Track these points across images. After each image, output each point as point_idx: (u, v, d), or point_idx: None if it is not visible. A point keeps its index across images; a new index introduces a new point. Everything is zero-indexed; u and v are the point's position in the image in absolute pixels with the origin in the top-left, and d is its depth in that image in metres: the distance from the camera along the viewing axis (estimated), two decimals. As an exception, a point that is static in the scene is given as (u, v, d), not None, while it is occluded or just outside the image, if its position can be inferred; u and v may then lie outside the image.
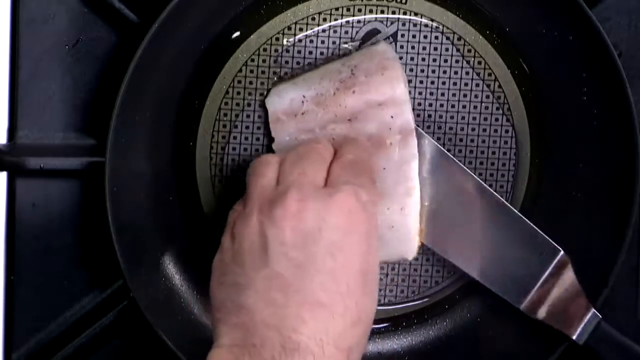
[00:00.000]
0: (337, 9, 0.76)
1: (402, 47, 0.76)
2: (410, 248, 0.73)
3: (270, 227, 0.62)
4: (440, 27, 0.76)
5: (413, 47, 0.76)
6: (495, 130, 0.77)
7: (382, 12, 0.76)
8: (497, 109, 0.77)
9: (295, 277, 0.61)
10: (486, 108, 0.77)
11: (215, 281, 0.65)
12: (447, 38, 0.76)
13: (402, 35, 0.76)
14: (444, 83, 0.76)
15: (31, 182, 0.74)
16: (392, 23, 0.76)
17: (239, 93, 0.76)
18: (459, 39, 0.76)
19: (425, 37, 0.76)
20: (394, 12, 0.76)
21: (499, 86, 0.77)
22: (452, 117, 0.77)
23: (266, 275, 0.61)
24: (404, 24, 0.76)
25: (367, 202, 0.65)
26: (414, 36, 0.76)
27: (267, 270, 0.61)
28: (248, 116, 0.76)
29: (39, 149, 0.74)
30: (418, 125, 0.74)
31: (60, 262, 0.75)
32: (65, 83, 0.74)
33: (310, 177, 0.65)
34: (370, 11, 0.76)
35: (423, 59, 0.76)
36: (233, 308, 0.62)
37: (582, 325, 0.72)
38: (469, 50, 0.76)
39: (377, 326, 0.78)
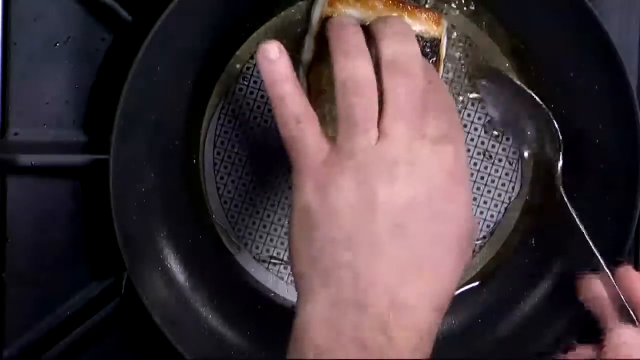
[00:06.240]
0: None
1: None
2: None
3: (379, 187, 0.60)
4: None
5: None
6: (498, 135, 0.77)
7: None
8: None
9: (401, 237, 0.60)
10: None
11: (301, 234, 0.63)
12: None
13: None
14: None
15: (22, 179, 0.74)
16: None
17: (241, 90, 0.75)
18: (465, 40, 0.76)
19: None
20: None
21: None
22: (465, 126, 0.77)
23: (371, 234, 0.60)
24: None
25: (465, 159, 0.64)
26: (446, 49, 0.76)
27: (372, 228, 0.60)
28: (249, 115, 0.75)
29: (31, 146, 0.74)
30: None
31: (51, 260, 0.75)
32: (57, 80, 0.74)
33: (416, 126, 0.62)
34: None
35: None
36: (330, 264, 0.61)
37: None
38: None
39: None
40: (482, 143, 0.77)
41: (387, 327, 0.59)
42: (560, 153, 0.74)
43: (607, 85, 0.73)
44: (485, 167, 0.77)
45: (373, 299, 0.60)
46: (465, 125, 0.77)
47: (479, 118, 0.77)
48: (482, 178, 0.77)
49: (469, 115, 0.77)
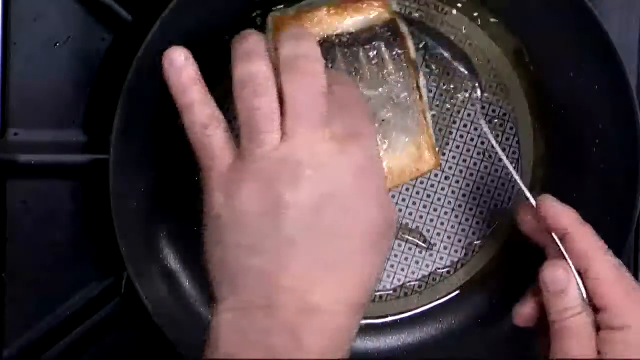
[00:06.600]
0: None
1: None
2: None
3: (284, 191, 0.60)
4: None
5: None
6: (498, 135, 0.77)
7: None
8: (504, 114, 0.77)
9: (308, 239, 0.60)
10: (493, 111, 0.77)
11: (212, 240, 0.62)
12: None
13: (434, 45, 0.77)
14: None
15: (23, 179, 0.74)
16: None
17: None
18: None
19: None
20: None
21: (508, 104, 0.77)
22: (465, 126, 0.77)
23: (278, 238, 0.59)
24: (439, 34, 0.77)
25: (375, 154, 0.63)
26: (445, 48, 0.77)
27: (279, 232, 0.59)
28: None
29: (31, 146, 0.74)
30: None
31: (51, 260, 0.75)
32: (57, 80, 0.74)
33: (318, 126, 0.61)
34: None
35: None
36: (239, 270, 0.60)
37: None
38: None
39: (376, 321, 0.78)
40: (482, 143, 0.77)
41: (296, 331, 0.59)
42: (479, 91, 0.75)
43: (607, 85, 0.73)
44: (485, 167, 0.77)
45: (281, 303, 0.59)
46: (465, 126, 0.77)
47: (479, 118, 0.77)
48: (482, 178, 0.77)
49: (469, 115, 0.77)
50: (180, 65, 0.62)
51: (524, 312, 0.71)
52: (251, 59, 0.62)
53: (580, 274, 0.67)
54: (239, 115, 0.61)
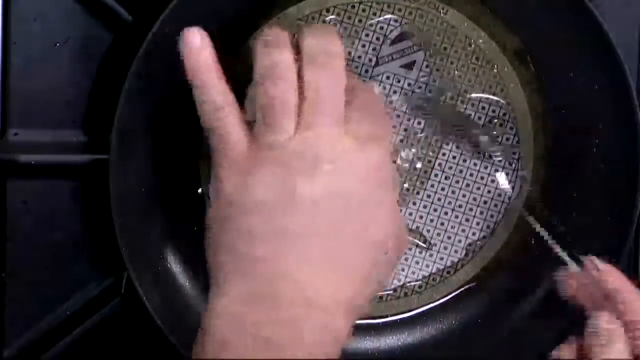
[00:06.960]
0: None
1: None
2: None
3: (300, 183, 0.59)
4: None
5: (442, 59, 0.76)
6: (498, 136, 0.77)
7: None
8: (504, 114, 0.77)
9: (319, 236, 0.60)
10: (493, 111, 0.77)
11: (220, 225, 0.62)
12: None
13: (434, 45, 0.76)
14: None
15: (23, 179, 0.74)
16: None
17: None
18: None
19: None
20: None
21: (508, 104, 0.77)
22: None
23: (288, 230, 0.59)
24: (439, 34, 0.76)
25: (391, 161, 0.63)
26: (445, 48, 0.76)
27: (290, 225, 0.59)
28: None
29: (31, 146, 0.74)
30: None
31: (51, 260, 0.75)
32: (57, 80, 0.74)
33: (336, 121, 0.61)
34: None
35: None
36: (245, 256, 0.60)
37: None
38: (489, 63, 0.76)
39: (376, 321, 0.78)
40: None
41: (297, 325, 0.58)
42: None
43: (607, 85, 0.73)
44: (486, 167, 0.77)
45: (283, 295, 0.59)
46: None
47: (479, 118, 0.77)
48: (482, 178, 0.77)
49: (469, 115, 0.77)
50: (198, 47, 0.63)
51: (563, 356, 0.71)
52: (274, 49, 0.62)
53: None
54: (257, 101, 0.61)
